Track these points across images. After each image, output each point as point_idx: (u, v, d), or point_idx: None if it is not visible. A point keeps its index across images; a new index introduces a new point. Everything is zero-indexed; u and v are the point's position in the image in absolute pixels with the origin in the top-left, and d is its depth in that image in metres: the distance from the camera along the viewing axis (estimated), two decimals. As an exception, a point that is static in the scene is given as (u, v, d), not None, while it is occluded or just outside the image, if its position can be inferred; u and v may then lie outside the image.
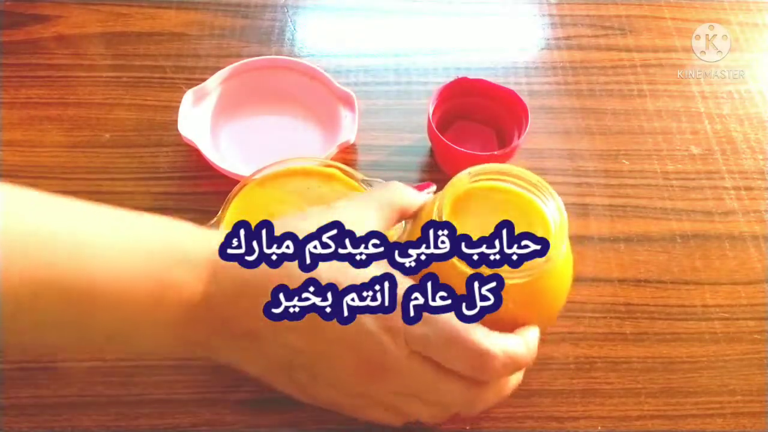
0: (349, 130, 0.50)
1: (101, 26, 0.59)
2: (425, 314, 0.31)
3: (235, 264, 0.31)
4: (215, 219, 0.42)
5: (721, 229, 0.50)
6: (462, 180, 0.35)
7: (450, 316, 0.32)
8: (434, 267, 0.34)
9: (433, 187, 0.43)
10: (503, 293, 0.34)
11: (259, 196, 0.44)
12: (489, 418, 0.41)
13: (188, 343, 0.32)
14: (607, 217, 0.50)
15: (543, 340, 0.35)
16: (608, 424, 0.41)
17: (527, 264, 0.33)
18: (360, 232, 0.32)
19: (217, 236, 0.32)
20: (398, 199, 0.36)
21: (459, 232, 0.34)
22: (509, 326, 0.36)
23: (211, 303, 0.30)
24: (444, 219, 0.33)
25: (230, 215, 0.42)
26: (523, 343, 0.33)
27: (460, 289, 0.34)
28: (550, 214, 0.35)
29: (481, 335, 0.32)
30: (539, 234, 0.34)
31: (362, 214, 0.34)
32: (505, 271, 0.32)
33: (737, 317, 0.46)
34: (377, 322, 0.31)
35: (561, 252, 0.33)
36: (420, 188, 0.40)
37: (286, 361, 0.32)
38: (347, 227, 0.32)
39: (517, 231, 0.34)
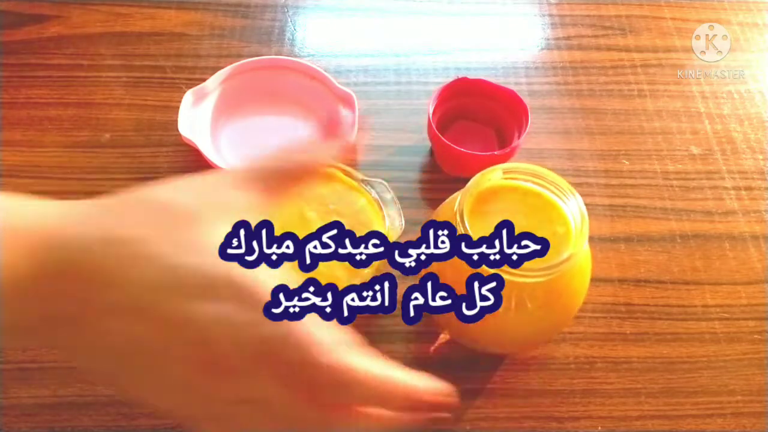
0: (349, 130, 0.50)
1: (101, 26, 0.59)
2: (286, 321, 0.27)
3: (66, 244, 0.27)
4: None
5: (721, 229, 0.50)
6: (485, 178, 0.36)
7: (308, 318, 0.28)
8: (455, 266, 0.35)
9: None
10: (523, 293, 0.34)
11: None
12: (489, 418, 0.41)
13: (20, 329, 0.28)
14: (607, 217, 0.50)
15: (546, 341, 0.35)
16: (608, 424, 0.42)
17: (547, 263, 0.33)
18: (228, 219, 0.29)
19: (53, 212, 0.28)
20: (275, 176, 0.32)
21: (480, 230, 0.35)
22: (528, 325, 0.36)
23: (38, 284, 0.26)
24: (464, 217, 0.34)
25: None
26: (412, 374, 0.28)
27: None
28: (571, 214, 0.35)
29: (345, 347, 0.28)
30: (560, 233, 0.35)
31: (234, 195, 0.31)
32: (525, 270, 0.33)
33: (737, 317, 0.46)
34: (234, 309, 0.26)
35: (581, 252, 0.34)
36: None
37: (113, 354, 0.27)
38: (209, 208, 0.29)
39: (538, 231, 0.34)
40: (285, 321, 0.27)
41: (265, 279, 0.28)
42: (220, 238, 0.28)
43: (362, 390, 0.27)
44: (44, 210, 0.28)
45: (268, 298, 0.27)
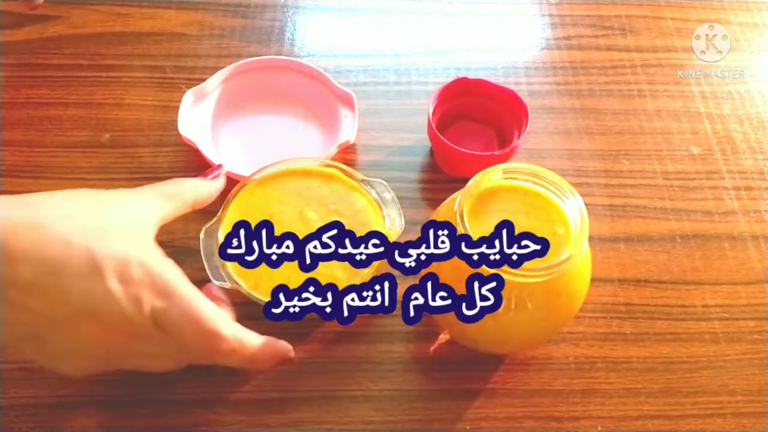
0: (349, 130, 0.50)
1: (101, 26, 0.59)
2: (169, 289, 0.33)
3: None
4: (215, 219, 0.42)
5: (721, 229, 0.50)
6: (485, 178, 0.36)
7: (191, 293, 0.34)
8: (456, 266, 0.35)
9: (222, 170, 0.43)
10: (523, 292, 0.34)
11: (258, 197, 0.44)
12: (489, 418, 0.41)
13: None
14: (607, 217, 0.50)
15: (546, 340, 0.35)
16: (608, 424, 0.42)
17: (547, 263, 0.33)
18: (136, 224, 0.34)
19: None
20: (180, 191, 0.39)
21: (480, 230, 0.35)
22: (528, 325, 0.36)
23: None
24: (464, 217, 0.34)
25: (230, 215, 0.42)
26: (267, 344, 0.37)
27: None
28: (571, 214, 0.35)
29: (215, 316, 0.34)
30: (560, 233, 0.35)
31: (139, 202, 0.36)
32: (525, 270, 0.33)
33: (737, 317, 0.46)
34: (122, 288, 0.32)
35: (581, 252, 0.34)
36: (206, 174, 0.42)
37: (31, 330, 0.32)
38: (123, 219, 0.34)
39: (538, 231, 0.34)
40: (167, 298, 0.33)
41: (157, 265, 0.34)
42: (123, 226, 0.33)
43: (250, 356, 0.36)
44: None
45: (163, 278, 0.33)
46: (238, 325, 0.36)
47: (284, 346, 0.38)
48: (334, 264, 0.41)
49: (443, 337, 0.44)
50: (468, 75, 0.51)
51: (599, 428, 0.41)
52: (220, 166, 0.43)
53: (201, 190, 0.40)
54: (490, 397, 0.42)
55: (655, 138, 0.55)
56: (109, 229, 0.33)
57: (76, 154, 0.51)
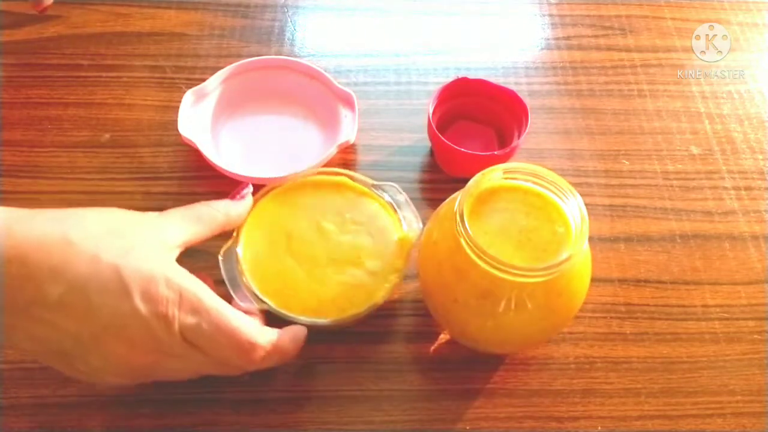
0: (349, 130, 0.50)
1: (101, 26, 0.59)
2: (198, 305, 0.33)
3: (22, 242, 0.30)
4: (232, 239, 0.42)
5: (721, 229, 0.50)
6: (485, 178, 0.36)
7: (221, 307, 0.34)
8: (456, 266, 0.35)
9: (249, 189, 0.42)
10: (523, 292, 0.34)
11: (272, 214, 0.43)
12: (489, 418, 0.41)
13: None
14: (607, 217, 0.50)
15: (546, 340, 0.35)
16: (608, 424, 0.42)
17: (547, 263, 0.33)
18: (162, 244, 0.35)
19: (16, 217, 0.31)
20: (209, 213, 0.38)
21: (480, 230, 0.35)
22: (528, 325, 0.36)
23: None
24: (464, 217, 0.34)
25: (247, 234, 0.42)
26: (291, 337, 0.37)
27: (483, 289, 0.34)
28: (571, 214, 0.35)
29: (248, 327, 0.35)
30: (560, 233, 0.35)
31: (166, 224, 0.36)
32: (524, 269, 0.33)
33: (737, 317, 0.46)
34: (149, 308, 0.32)
35: (581, 252, 0.34)
36: (233, 195, 0.41)
37: (59, 347, 0.32)
38: (149, 239, 0.34)
39: (538, 231, 0.34)
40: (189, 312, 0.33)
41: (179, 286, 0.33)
42: (147, 247, 0.33)
43: (285, 357, 0.38)
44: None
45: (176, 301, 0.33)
46: (269, 330, 0.37)
47: (300, 330, 0.39)
48: (361, 272, 0.41)
49: (443, 337, 0.44)
50: (468, 75, 0.51)
51: (599, 428, 0.41)
52: (246, 184, 0.42)
53: (231, 211, 0.40)
54: (490, 397, 0.42)
55: (655, 138, 0.55)
56: (136, 248, 0.33)
57: (76, 154, 0.51)
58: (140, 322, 0.32)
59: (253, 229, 0.42)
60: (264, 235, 0.42)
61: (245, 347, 0.35)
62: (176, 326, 0.33)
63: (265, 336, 0.36)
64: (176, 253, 0.35)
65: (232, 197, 0.41)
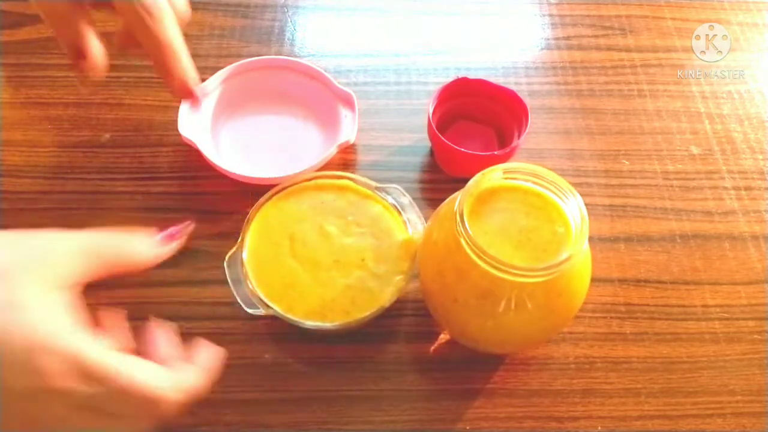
0: (349, 130, 0.50)
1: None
2: (93, 371, 0.28)
3: None
4: (237, 244, 0.42)
5: (721, 229, 0.50)
6: (485, 178, 0.36)
7: (122, 366, 0.29)
8: (456, 266, 0.35)
9: (189, 228, 0.35)
10: (523, 292, 0.34)
11: (275, 218, 0.43)
12: (489, 418, 0.41)
13: None
14: (607, 217, 0.50)
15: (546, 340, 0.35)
16: (608, 424, 0.42)
17: (547, 263, 0.33)
18: (51, 287, 0.28)
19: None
20: (111, 251, 0.31)
21: (480, 230, 0.35)
22: (528, 325, 0.36)
23: None
24: (464, 217, 0.33)
25: (252, 239, 0.42)
26: (199, 369, 0.32)
27: (483, 289, 0.34)
28: (571, 214, 0.35)
29: (151, 380, 0.29)
30: (560, 233, 0.35)
31: (53, 260, 0.29)
32: (524, 269, 0.33)
33: (737, 317, 0.46)
34: (42, 385, 0.27)
35: (581, 252, 0.34)
36: (165, 235, 0.34)
37: None
38: (34, 281, 0.28)
39: (538, 231, 0.34)
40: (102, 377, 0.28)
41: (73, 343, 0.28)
42: (31, 295, 0.28)
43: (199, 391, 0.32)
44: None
45: (84, 358, 0.28)
46: (178, 373, 0.31)
47: (216, 353, 0.34)
48: (365, 275, 0.41)
49: (443, 337, 0.44)
50: (468, 75, 0.51)
51: (599, 428, 0.41)
52: (189, 223, 0.35)
53: (146, 254, 0.33)
54: (490, 397, 0.42)
55: (655, 138, 0.55)
56: (14, 303, 0.27)
57: (76, 154, 0.51)
58: (34, 403, 0.27)
59: (257, 234, 0.42)
60: (268, 240, 0.42)
61: (154, 402, 0.29)
62: (74, 400, 0.28)
63: (174, 388, 0.30)
64: (68, 296, 0.29)
65: (164, 237, 0.34)
